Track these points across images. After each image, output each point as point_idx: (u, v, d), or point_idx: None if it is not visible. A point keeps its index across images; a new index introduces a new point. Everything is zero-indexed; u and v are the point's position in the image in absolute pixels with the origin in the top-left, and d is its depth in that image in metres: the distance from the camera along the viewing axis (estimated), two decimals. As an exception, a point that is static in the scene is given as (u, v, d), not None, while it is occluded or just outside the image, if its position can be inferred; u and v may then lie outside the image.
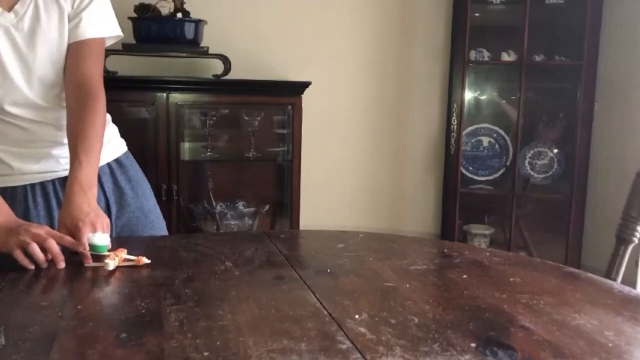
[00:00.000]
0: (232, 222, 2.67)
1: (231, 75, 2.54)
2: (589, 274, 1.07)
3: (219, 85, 2.56)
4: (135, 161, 1.42)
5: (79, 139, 1.13)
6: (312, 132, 2.77)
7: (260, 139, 2.70)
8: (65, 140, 1.18)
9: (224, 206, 2.68)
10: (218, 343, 0.72)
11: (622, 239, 1.29)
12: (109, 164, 1.33)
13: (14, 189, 1.22)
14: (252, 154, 2.67)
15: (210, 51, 2.51)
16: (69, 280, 0.98)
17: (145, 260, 1.04)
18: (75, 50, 1.21)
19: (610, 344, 0.75)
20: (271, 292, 0.93)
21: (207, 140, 2.63)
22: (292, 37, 2.84)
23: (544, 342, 0.75)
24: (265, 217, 2.78)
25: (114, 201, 1.32)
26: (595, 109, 2.81)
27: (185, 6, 2.49)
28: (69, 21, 1.21)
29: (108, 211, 1.30)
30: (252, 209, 2.71)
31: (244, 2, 2.77)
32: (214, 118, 2.62)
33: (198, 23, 2.49)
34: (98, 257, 1.04)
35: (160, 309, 0.84)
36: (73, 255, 1.05)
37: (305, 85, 2.60)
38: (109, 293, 0.94)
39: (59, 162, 1.25)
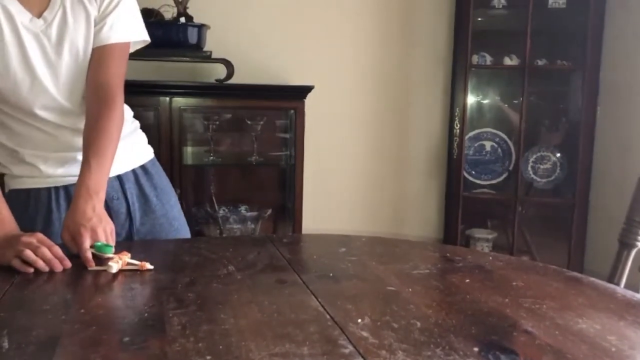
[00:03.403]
0: (235, 226, 2.67)
1: (234, 80, 2.54)
2: (592, 279, 1.06)
3: (222, 90, 2.57)
4: (161, 168, 1.42)
5: (91, 144, 1.14)
6: (314, 137, 2.77)
7: (263, 143, 2.71)
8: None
9: (226, 210, 2.68)
10: (220, 347, 0.73)
11: (625, 244, 1.29)
12: (133, 171, 1.33)
13: (38, 190, 1.24)
14: (255, 158, 2.68)
15: (213, 56, 2.51)
16: (72, 284, 0.99)
17: (148, 266, 1.04)
18: (98, 55, 1.22)
19: (613, 349, 0.75)
20: (273, 296, 0.93)
21: (209, 145, 2.63)
22: (295, 41, 2.85)
23: (547, 347, 0.75)
24: (267, 221, 2.78)
25: (137, 207, 1.32)
26: (598, 113, 2.81)
27: (188, 11, 2.50)
28: (95, 25, 1.21)
29: (130, 218, 1.31)
30: (254, 213, 2.71)
31: (247, 7, 2.78)
32: (217, 122, 2.62)
33: (201, 28, 2.49)
34: (101, 261, 1.04)
35: (163, 312, 0.84)
36: (76, 259, 1.05)
37: (307, 89, 2.60)
38: (112, 297, 0.94)
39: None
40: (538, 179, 2.95)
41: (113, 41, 1.22)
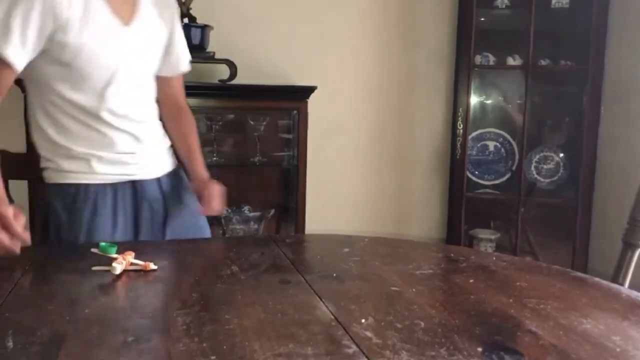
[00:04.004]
0: (238, 227, 2.67)
1: (237, 80, 2.54)
2: (596, 279, 1.06)
3: (225, 90, 2.57)
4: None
5: (195, 151, 1.48)
6: (317, 137, 2.77)
7: (266, 143, 2.71)
8: (138, 149, 1.33)
9: (229, 211, 2.68)
10: (224, 347, 0.73)
11: (629, 244, 1.29)
12: (169, 173, 1.44)
13: (87, 186, 1.30)
14: (258, 158, 2.68)
15: (216, 56, 2.52)
16: (76, 284, 0.99)
17: (152, 266, 1.04)
18: (175, 81, 1.49)
19: (617, 349, 0.75)
20: (277, 296, 0.93)
21: (212, 145, 2.63)
22: (298, 42, 2.85)
23: (551, 347, 0.75)
24: (270, 221, 2.78)
25: (171, 204, 1.41)
26: (602, 113, 2.81)
27: (191, 11, 2.50)
28: (166, 52, 1.42)
29: (165, 212, 1.40)
30: (257, 214, 2.71)
31: (250, 8, 2.78)
32: (220, 123, 2.62)
33: (204, 28, 2.49)
34: (105, 261, 1.04)
35: (167, 313, 0.85)
36: (81, 261, 1.06)
37: (310, 90, 2.60)
38: (116, 297, 0.94)
39: (131, 168, 1.34)
40: (541, 179, 2.95)
41: (183, 69, 1.49)
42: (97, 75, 1.24)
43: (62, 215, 1.28)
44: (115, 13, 1.25)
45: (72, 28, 1.18)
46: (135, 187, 1.35)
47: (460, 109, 2.91)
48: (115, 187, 1.32)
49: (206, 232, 1.50)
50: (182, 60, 1.48)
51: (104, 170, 1.30)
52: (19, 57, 1.16)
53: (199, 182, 1.44)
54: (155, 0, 1.35)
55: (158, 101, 1.44)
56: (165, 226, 1.39)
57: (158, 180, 1.40)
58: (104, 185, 1.31)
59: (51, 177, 1.31)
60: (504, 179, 3.01)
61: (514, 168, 2.97)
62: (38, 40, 1.16)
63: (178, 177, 1.47)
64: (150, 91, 1.40)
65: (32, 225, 1.98)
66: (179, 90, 1.50)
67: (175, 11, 1.45)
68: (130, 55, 1.29)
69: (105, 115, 1.27)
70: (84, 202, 1.26)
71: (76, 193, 1.27)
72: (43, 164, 1.32)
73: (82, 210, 1.28)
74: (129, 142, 1.32)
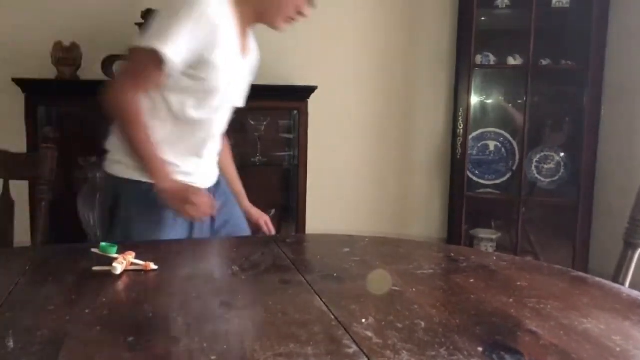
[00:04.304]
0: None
1: (237, 80, 2.54)
2: (597, 279, 1.06)
3: (225, 90, 2.56)
4: None
5: (234, 173, 1.70)
6: (318, 137, 2.77)
7: (266, 143, 2.71)
8: (204, 163, 1.49)
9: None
10: (225, 347, 0.73)
11: (630, 244, 1.29)
12: (218, 181, 1.59)
13: None
14: (259, 158, 2.68)
15: (217, 56, 2.51)
16: (77, 284, 0.99)
17: (152, 266, 1.04)
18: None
19: (618, 349, 0.75)
20: (277, 296, 0.93)
21: (213, 145, 2.63)
22: (299, 42, 2.84)
23: (551, 347, 0.75)
24: (271, 221, 2.77)
25: (220, 203, 1.50)
26: (602, 113, 2.80)
27: (191, 12, 2.50)
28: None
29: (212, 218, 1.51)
30: (258, 214, 2.70)
31: (250, 8, 2.78)
32: (221, 123, 2.62)
33: (204, 28, 2.49)
34: (106, 261, 1.04)
35: (168, 312, 0.85)
36: (81, 262, 1.06)
37: (311, 90, 2.60)
38: (116, 297, 0.94)
39: (194, 177, 1.45)
40: (542, 179, 2.94)
41: (239, 104, 1.56)
42: (218, 95, 1.39)
43: (132, 209, 1.37)
44: (240, 46, 1.42)
45: (214, 50, 1.32)
46: None
47: (461, 108, 2.91)
48: None
49: (245, 228, 1.63)
50: (243, 96, 1.58)
51: (182, 177, 1.40)
52: (176, 59, 1.27)
53: (247, 214, 1.65)
54: (252, 46, 1.53)
55: None
56: (214, 225, 1.49)
57: (216, 183, 1.56)
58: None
59: (125, 172, 1.39)
60: (505, 178, 3.01)
61: (514, 168, 2.97)
62: (190, 53, 1.29)
63: (221, 182, 1.60)
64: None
65: (33, 225, 1.98)
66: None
67: (257, 63, 1.59)
68: (239, 83, 1.49)
69: (204, 132, 1.44)
70: (155, 200, 1.33)
71: (148, 190, 1.34)
72: (115, 157, 1.41)
73: (152, 207, 1.35)
74: (206, 157, 1.49)
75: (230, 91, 1.45)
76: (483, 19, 2.93)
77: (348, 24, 2.93)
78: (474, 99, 3.00)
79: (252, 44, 1.53)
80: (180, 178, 1.38)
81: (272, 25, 1.44)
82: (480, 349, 0.74)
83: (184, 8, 1.27)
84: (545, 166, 2.94)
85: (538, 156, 2.94)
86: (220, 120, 1.49)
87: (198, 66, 1.33)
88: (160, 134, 1.36)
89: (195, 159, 1.45)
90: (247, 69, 1.51)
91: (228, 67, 1.38)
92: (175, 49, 1.26)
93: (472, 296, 0.94)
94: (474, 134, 2.99)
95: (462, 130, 2.91)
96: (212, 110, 1.42)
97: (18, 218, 1.55)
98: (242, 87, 1.53)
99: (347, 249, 1.22)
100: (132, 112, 1.31)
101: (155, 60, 1.26)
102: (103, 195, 1.52)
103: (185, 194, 1.31)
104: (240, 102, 1.55)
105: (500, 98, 3.14)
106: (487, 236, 3.00)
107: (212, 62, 1.33)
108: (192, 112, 1.38)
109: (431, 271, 1.10)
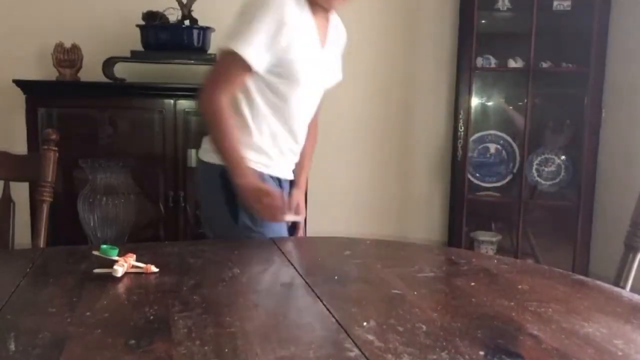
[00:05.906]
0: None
1: (238, 82, 2.54)
2: (598, 282, 1.06)
3: (226, 92, 2.57)
4: None
5: (306, 156, 1.65)
6: (318, 139, 2.76)
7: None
8: (292, 155, 1.56)
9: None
10: (226, 350, 0.73)
11: (631, 247, 1.29)
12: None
13: (261, 174, 1.46)
14: (259, 160, 2.67)
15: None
16: (78, 286, 0.99)
17: (153, 268, 1.04)
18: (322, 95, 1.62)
19: (619, 353, 0.75)
20: (279, 299, 0.93)
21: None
22: (299, 44, 2.85)
23: (553, 351, 0.75)
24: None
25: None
26: (603, 116, 2.80)
27: (192, 14, 2.51)
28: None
29: None
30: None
31: (251, 10, 2.78)
32: (221, 125, 2.62)
33: (206, 30, 2.50)
34: (107, 264, 1.04)
35: (169, 315, 0.85)
36: (82, 264, 1.06)
37: (312, 92, 2.59)
38: (117, 300, 0.94)
39: (276, 170, 1.52)
40: (542, 182, 2.94)
41: (340, 78, 1.65)
42: (300, 88, 1.46)
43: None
44: (318, 36, 1.47)
45: (292, 46, 1.38)
46: (280, 183, 1.54)
47: (462, 111, 2.91)
48: (268, 179, 1.50)
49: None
50: (336, 78, 1.63)
51: (273, 164, 1.50)
52: (258, 62, 1.36)
53: (294, 186, 1.64)
54: (335, 29, 1.58)
55: None
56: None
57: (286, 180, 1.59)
58: (269, 176, 1.50)
59: (262, 168, 1.47)
60: (505, 181, 3.01)
61: (515, 170, 2.97)
62: (272, 54, 1.36)
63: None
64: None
65: (33, 225, 1.97)
66: (320, 104, 1.63)
67: (345, 41, 1.65)
68: (321, 73, 1.53)
69: (295, 122, 1.50)
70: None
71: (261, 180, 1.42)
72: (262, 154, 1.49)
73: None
74: (295, 153, 1.57)
75: (313, 81, 1.50)
76: (484, 21, 2.93)
77: (349, 26, 2.91)
78: (475, 102, 3.00)
79: (337, 27, 1.58)
80: (276, 162, 1.49)
81: (327, 4, 1.48)
82: (481, 352, 0.74)
83: (264, 8, 1.34)
84: (546, 169, 2.94)
85: (539, 159, 2.94)
86: (308, 105, 1.54)
87: (280, 64, 1.40)
88: (264, 126, 1.46)
89: (290, 139, 1.52)
90: (328, 58, 1.55)
91: (308, 62, 1.44)
92: (257, 52, 1.34)
93: (473, 299, 0.94)
94: (475, 136, 2.99)
95: (462, 133, 2.91)
96: (298, 99, 1.48)
97: (18, 219, 1.55)
98: (325, 74, 1.57)
99: (348, 252, 1.22)
100: (218, 113, 1.39)
101: (240, 63, 1.34)
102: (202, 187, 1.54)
103: (259, 193, 1.36)
104: (327, 84, 1.60)
105: (501, 100, 3.14)
106: (488, 239, 3.00)
107: (293, 59, 1.40)
108: (278, 102, 1.45)
109: (432, 274, 1.10)
